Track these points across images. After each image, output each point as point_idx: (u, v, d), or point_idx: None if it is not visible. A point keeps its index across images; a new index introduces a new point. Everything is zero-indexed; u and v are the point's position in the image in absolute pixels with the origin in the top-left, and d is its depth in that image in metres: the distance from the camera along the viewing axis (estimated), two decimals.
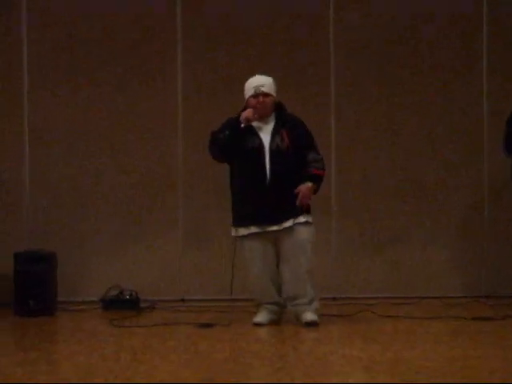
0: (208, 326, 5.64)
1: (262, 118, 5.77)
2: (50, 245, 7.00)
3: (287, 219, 5.64)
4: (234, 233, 5.84)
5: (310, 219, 5.75)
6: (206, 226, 7.44)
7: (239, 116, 5.72)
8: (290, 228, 5.65)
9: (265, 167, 5.65)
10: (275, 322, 5.81)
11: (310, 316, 5.62)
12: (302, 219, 5.68)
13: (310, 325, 5.58)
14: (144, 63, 7.48)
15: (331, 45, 7.55)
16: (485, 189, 7.62)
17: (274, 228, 5.66)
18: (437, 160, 7.60)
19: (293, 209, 5.64)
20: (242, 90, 5.95)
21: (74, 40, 7.44)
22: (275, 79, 5.95)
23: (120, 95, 7.49)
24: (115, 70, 7.46)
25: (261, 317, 5.79)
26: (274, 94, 5.84)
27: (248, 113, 5.68)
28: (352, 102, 7.56)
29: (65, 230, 7.36)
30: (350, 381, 3.77)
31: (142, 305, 6.86)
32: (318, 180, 5.75)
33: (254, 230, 5.68)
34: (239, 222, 5.78)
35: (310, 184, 5.66)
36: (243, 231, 5.73)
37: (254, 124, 5.75)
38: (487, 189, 7.60)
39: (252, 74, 5.92)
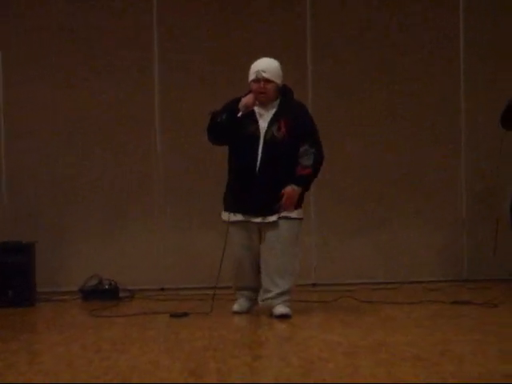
0: (183, 315, 5.61)
1: (264, 104, 5.57)
2: (29, 235, 6.96)
3: (272, 213, 5.50)
4: (223, 216, 5.72)
5: (299, 215, 5.60)
6: (185, 215, 7.43)
7: (240, 99, 5.54)
8: (275, 223, 5.50)
9: (256, 156, 5.48)
10: (252, 308, 5.80)
11: (280, 309, 5.48)
12: (287, 214, 5.51)
13: (281, 317, 5.44)
14: (121, 55, 7.47)
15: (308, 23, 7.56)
16: (463, 176, 7.66)
17: (258, 220, 5.53)
18: (419, 147, 7.62)
19: (278, 203, 5.48)
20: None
21: (48, 29, 7.42)
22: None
23: (101, 85, 7.45)
24: (89, 54, 7.45)
25: (239, 305, 5.79)
26: (278, 80, 5.58)
27: (248, 99, 5.50)
28: (331, 86, 7.56)
29: (44, 221, 7.33)
30: (330, 366, 3.76)
31: (122, 294, 6.85)
32: (304, 181, 5.56)
33: (239, 217, 5.58)
34: (227, 207, 5.67)
35: (295, 187, 5.49)
36: (230, 217, 5.62)
37: (256, 109, 5.56)
38: (465, 176, 7.64)
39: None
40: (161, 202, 7.45)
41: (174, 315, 5.62)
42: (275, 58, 5.67)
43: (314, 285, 7.43)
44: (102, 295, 6.79)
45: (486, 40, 7.62)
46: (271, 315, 5.54)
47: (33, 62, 7.38)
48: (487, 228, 7.49)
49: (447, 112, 7.65)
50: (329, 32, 7.58)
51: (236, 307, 5.77)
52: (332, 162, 7.43)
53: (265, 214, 5.50)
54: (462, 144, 7.64)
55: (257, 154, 5.48)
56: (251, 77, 5.57)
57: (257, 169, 5.48)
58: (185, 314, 5.64)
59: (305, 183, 5.57)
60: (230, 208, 5.64)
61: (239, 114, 5.45)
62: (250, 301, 5.81)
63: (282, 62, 5.68)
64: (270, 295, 5.54)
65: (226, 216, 5.66)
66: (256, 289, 5.75)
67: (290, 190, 5.47)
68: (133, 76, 7.46)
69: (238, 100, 5.55)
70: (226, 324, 5.32)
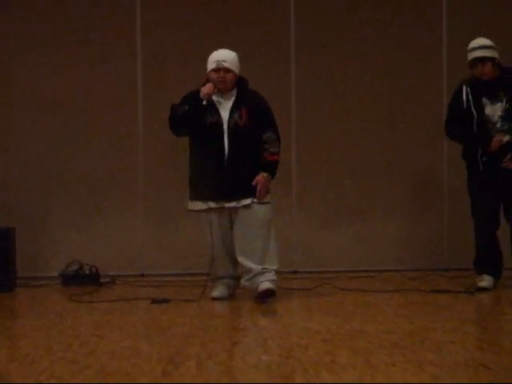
0: (164, 301, 5.62)
1: (222, 93, 5.70)
2: (10, 220, 6.94)
3: (245, 197, 5.62)
4: (190, 206, 5.81)
5: (268, 199, 5.73)
6: (166, 201, 7.42)
7: (199, 91, 5.65)
8: (248, 206, 5.64)
9: (223, 144, 5.61)
10: (231, 295, 5.84)
11: (265, 285, 5.58)
12: (259, 200, 5.65)
13: (267, 293, 5.55)
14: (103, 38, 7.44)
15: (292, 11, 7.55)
16: (444, 167, 7.68)
17: (232, 205, 5.64)
18: (400, 138, 7.64)
19: (251, 187, 5.61)
20: (201, 63, 5.89)
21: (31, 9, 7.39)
22: (237, 53, 5.89)
23: (82, 74, 7.42)
24: (73, 40, 7.42)
25: (217, 291, 5.81)
26: (236, 70, 5.74)
27: (208, 88, 5.61)
28: (314, 75, 7.56)
29: (24, 206, 7.30)
30: (309, 353, 3.78)
31: (102, 280, 6.84)
32: (273, 167, 5.73)
33: (212, 205, 5.67)
34: (196, 196, 5.75)
35: (265, 174, 5.65)
36: (201, 205, 5.71)
37: (214, 99, 5.68)
38: (447, 167, 7.67)
39: (211, 47, 5.86)
40: (142, 189, 7.44)
41: (154, 301, 5.62)
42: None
43: (294, 272, 7.45)
44: (82, 280, 6.78)
45: (468, 25, 7.64)
46: (256, 297, 5.61)
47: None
48: (467, 218, 7.53)
49: (430, 102, 7.66)
50: (313, 17, 7.57)
51: (215, 293, 5.79)
52: (314, 151, 7.47)
53: (238, 199, 5.63)
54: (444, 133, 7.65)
55: (223, 142, 5.62)
56: (211, 66, 5.71)
57: (225, 155, 5.60)
58: (165, 300, 5.64)
59: (273, 169, 5.74)
60: (201, 197, 5.72)
61: (204, 102, 5.58)
62: (229, 287, 5.86)
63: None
64: (253, 273, 5.65)
65: (196, 205, 5.76)
66: (233, 276, 5.87)
67: (262, 178, 5.65)
68: (115, 66, 7.44)
69: (196, 92, 5.68)
70: (207, 311, 5.33)
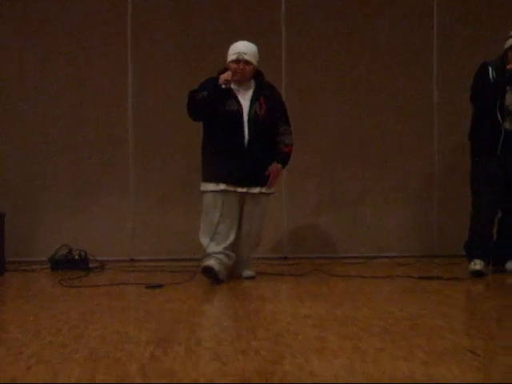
0: (157, 286, 5.61)
1: (240, 84, 5.87)
2: None
3: (255, 185, 5.90)
4: (203, 187, 5.94)
5: (273, 190, 6.07)
6: (156, 186, 7.42)
7: (218, 77, 5.78)
8: (256, 194, 5.92)
9: (243, 132, 5.80)
10: (221, 273, 5.83)
11: (248, 273, 6.10)
12: (267, 190, 5.97)
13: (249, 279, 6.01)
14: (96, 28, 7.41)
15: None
16: (435, 156, 7.69)
17: (244, 190, 5.88)
18: (392, 123, 7.65)
19: (262, 176, 5.89)
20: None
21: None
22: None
23: (73, 55, 7.40)
24: (64, 30, 7.38)
25: (210, 261, 5.81)
26: (255, 63, 5.92)
27: (227, 75, 5.74)
28: (306, 64, 7.56)
29: (13, 190, 7.29)
30: (298, 338, 3.78)
31: (91, 265, 6.83)
32: (287, 158, 6.05)
33: (223, 187, 5.83)
34: (210, 177, 5.89)
35: (279, 166, 5.97)
36: (214, 187, 5.86)
37: (234, 88, 5.84)
38: (437, 156, 7.68)
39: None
40: (132, 173, 7.43)
41: (149, 286, 5.61)
42: (251, 36, 5.75)
43: (285, 258, 7.46)
44: (71, 265, 6.77)
45: (460, 4, 7.64)
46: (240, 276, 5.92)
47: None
48: (457, 204, 7.56)
49: (421, 88, 7.67)
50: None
51: (207, 262, 5.80)
52: (305, 137, 7.46)
53: (250, 185, 5.88)
54: (435, 120, 7.67)
55: (243, 130, 5.81)
56: (231, 57, 5.86)
57: (245, 144, 5.81)
58: (159, 286, 5.63)
59: (287, 160, 6.05)
60: (214, 179, 5.86)
61: (223, 86, 5.71)
62: (222, 263, 5.87)
63: (258, 36, 5.72)
64: (241, 259, 6.07)
65: (209, 186, 5.88)
66: (228, 255, 5.92)
67: (276, 167, 5.95)
68: (106, 50, 7.41)
69: (214, 79, 5.81)
70: (195, 296, 5.32)
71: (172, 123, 7.12)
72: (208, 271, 5.75)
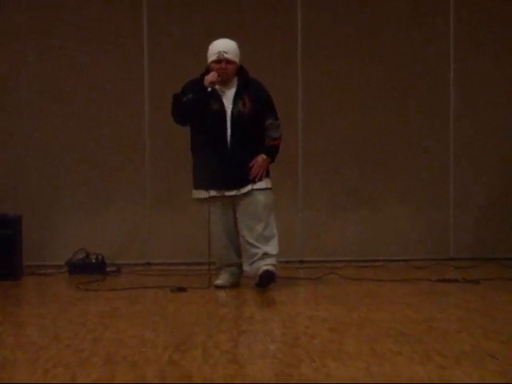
0: (181, 289, 5.61)
1: (224, 83, 5.71)
2: (16, 208, 6.95)
3: (246, 185, 5.68)
4: (194, 195, 5.85)
5: (268, 185, 5.79)
6: (172, 189, 7.42)
7: (202, 79, 5.67)
8: (248, 193, 5.68)
9: (226, 132, 5.66)
10: (236, 284, 5.85)
11: (265, 268, 5.62)
12: (260, 185, 5.71)
13: (267, 275, 5.60)
14: (110, 23, 7.43)
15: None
16: (450, 156, 7.67)
17: (233, 193, 5.69)
18: (406, 127, 7.62)
19: (250, 174, 5.68)
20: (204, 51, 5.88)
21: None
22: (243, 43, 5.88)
23: (86, 55, 7.41)
24: (79, 28, 7.41)
25: (222, 279, 5.82)
26: (237, 61, 5.76)
27: (212, 76, 5.62)
28: (321, 65, 7.55)
29: (31, 194, 7.32)
30: (315, 341, 3.78)
31: (108, 268, 6.84)
32: (274, 152, 5.78)
33: (213, 193, 5.69)
34: (199, 185, 5.78)
35: (264, 156, 5.69)
36: (203, 194, 5.74)
37: (217, 87, 5.69)
38: (453, 156, 7.65)
39: (221, 35, 5.85)
40: (148, 177, 7.44)
41: (173, 290, 5.60)
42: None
43: (301, 261, 7.45)
44: (88, 269, 6.78)
45: (475, 20, 7.62)
46: (256, 284, 5.64)
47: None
48: (474, 207, 7.54)
49: (436, 92, 7.64)
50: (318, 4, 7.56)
51: (219, 282, 5.80)
52: (320, 139, 7.45)
53: (239, 187, 5.67)
54: (451, 121, 7.64)
55: (226, 131, 5.66)
56: (212, 57, 5.71)
57: (228, 144, 5.66)
58: (182, 289, 5.62)
59: (274, 153, 5.78)
60: (202, 186, 5.73)
61: (209, 89, 5.60)
62: (233, 276, 5.87)
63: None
64: (256, 257, 5.68)
65: (199, 194, 5.78)
66: (237, 264, 5.88)
67: (260, 159, 5.69)
68: (122, 50, 7.43)
69: (197, 80, 5.70)
70: (213, 299, 5.34)
71: (189, 128, 7.11)
72: (219, 288, 5.76)
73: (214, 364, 3.32)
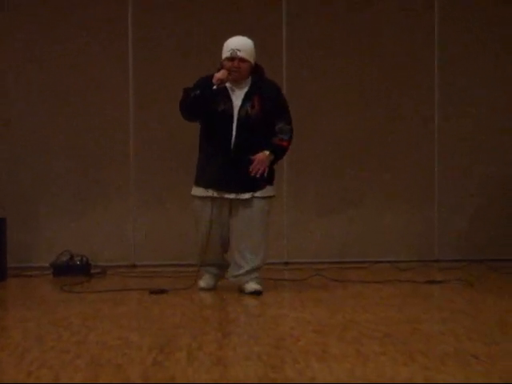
0: (161, 292, 5.61)
1: (237, 82, 5.55)
2: (0, 210, 6.92)
3: (246, 191, 5.53)
4: (193, 191, 5.72)
5: (270, 192, 5.65)
6: (158, 191, 7.41)
7: (212, 76, 5.49)
8: (248, 200, 5.55)
9: (231, 133, 5.49)
10: (217, 285, 5.83)
11: (253, 285, 5.56)
12: (261, 193, 5.57)
13: (254, 294, 5.51)
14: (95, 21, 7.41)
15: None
16: (435, 159, 7.69)
17: (232, 196, 5.55)
18: (393, 127, 7.64)
19: (254, 181, 5.51)
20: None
21: None
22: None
23: (74, 52, 7.39)
24: (66, 25, 7.40)
25: (205, 282, 5.80)
26: (252, 60, 5.56)
27: (221, 74, 5.45)
28: (308, 63, 7.55)
29: (15, 195, 7.28)
30: (300, 343, 3.78)
31: (93, 270, 6.82)
32: (279, 151, 5.59)
33: (211, 193, 5.57)
34: (199, 182, 5.67)
35: (267, 153, 5.50)
36: (202, 192, 5.62)
37: (228, 86, 5.55)
38: (437, 158, 7.68)
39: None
40: (133, 179, 7.42)
41: (152, 292, 5.61)
42: (251, 37, 5.65)
43: (286, 263, 7.45)
44: (73, 271, 6.76)
45: (460, 21, 7.65)
46: (241, 291, 5.58)
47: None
48: (459, 209, 7.57)
49: (421, 92, 7.67)
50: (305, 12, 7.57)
51: (202, 283, 5.78)
52: (305, 140, 7.45)
53: (238, 191, 5.53)
54: (436, 124, 7.66)
55: (231, 132, 5.49)
56: (225, 54, 5.53)
57: (231, 146, 5.49)
58: (163, 291, 5.62)
59: (279, 153, 5.59)
60: (202, 183, 5.63)
61: (214, 87, 5.42)
62: (216, 277, 5.85)
63: (258, 40, 5.69)
64: (241, 271, 5.59)
65: (198, 191, 5.66)
66: (221, 265, 5.83)
67: (262, 154, 5.49)
68: (107, 48, 7.41)
69: (210, 77, 5.52)
70: (197, 301, 5.33)
71: (174, 126, 7.09)
72: (203, 290, 5.74)
73: (199, 366, 3.32)
